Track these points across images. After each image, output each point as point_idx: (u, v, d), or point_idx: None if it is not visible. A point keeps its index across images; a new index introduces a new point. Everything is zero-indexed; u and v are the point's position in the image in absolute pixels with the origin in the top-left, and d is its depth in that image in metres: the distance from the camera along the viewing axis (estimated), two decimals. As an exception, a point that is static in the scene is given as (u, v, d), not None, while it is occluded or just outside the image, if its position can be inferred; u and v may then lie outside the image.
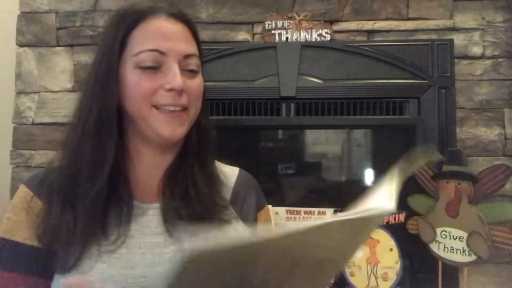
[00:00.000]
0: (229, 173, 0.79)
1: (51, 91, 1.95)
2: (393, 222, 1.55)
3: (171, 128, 0.67)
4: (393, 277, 1.51)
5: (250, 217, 0.76)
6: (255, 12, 1.88)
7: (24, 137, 1.94)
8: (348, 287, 1.53)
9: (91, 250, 0.62)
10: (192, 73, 0.69)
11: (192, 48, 0.69)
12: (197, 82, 0.70)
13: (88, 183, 0.64)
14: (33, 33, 1.97)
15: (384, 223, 1.54)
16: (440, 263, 1.54)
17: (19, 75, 1.96)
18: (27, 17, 1.98)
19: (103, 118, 0.66)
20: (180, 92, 0.66)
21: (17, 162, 1.93)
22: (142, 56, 0.65)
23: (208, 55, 1.80)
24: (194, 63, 0.69)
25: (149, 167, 0.71)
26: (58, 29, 1.96)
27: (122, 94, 0.67)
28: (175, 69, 0.66)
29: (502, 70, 1.77)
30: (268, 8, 1.87)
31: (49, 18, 1.97)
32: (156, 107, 0.66)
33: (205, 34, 1.90)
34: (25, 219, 0.65)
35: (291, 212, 1.65)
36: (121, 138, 0.69)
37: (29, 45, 1.97)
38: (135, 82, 0.66)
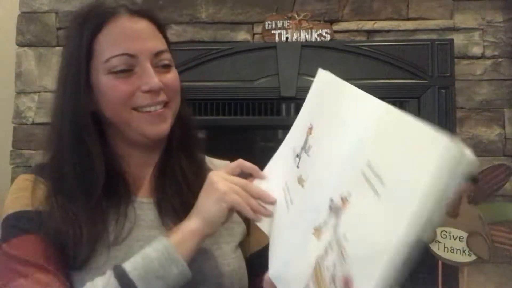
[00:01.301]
0: (220, 165, 0.80)
1: (51, 91, 1.95)
2: (393, 222, 1.55)
3: (155, 127, 0.67)
4: (393, 277, 1.51)
5: None
6: (255, 12, 1.88)
7: (24, 137, 1.94)
8: (348, 287, 1.53)
9: (98, 247, 0.62)
10: (166, 68, 0.69)
11: (161, 44, 0.69)
12: (172, 76, 0.69)
13: (85, 194, 0.64)
14: (33, 33, 1.97)
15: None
16: (440, 263, 1.54)
17: (19, 75, 1.96)
18: (27, 17, 1.98)
19: (80, 129, 0.66)
20: (158, 91, 0.66)
21: (17, 162, 1.93)
22: (113, 62, 0.64)
23: (208, 55, 1.80)
24: (166, 58, 0.69)
25: (139, 165, 0.72)
26: (58, 29, 1.96)
27: (98, 101, 0.67)
28: (149, 69, 0.65)
29: (502, 70, 1.77)
30: (268, 8, 1.87)
31: (49, 18, 1.97)
32: (135, 109, 0.66)
33: (205, 34, 1.90)
34: (38, 194, 0.65)
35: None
36: (105, 142, 0.70)
37: (29, 45, 1.97)
38: (110, 88, 0.65)
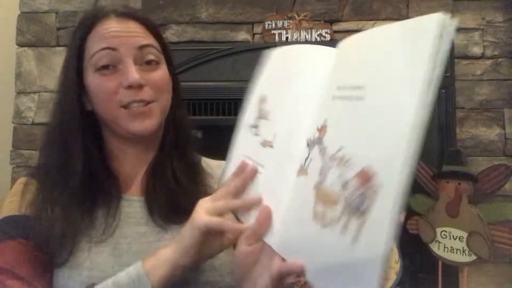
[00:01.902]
0: (216, 165, 0.81)
1: (51, 91, 1.95)
2: (393, 222, 1.55)
3: (139, 123, 0.67)
4: (393, 277, 1.51)
5: None
6: (255, 12, 1.88)
7: (24, 137, 1.94)
8: (348, 287, 1.52)
9: (81, 244, 0.64)
10: (152, 65, 0.69)
11: (146, 40, 0.69)
12: (159, 74, 0.70)
13: (61, 186, 0.67)
14: (33, 33, 1.97)
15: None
16: (440, 263, 1.54)
17: (19, 75, 1.96)
18: (27, 17, 1.98)
19: (65, 124, 0.69)
20: (139, 87, 0.66)
21: (17, 162, 1.93)
22: (96, 57, 0.66)
23: (208, 55, 1.80)
24: (151, 53, 0.69)
25: (132, 163, 0.74)
26: (58, 29, 1.96)
27: (92, 99, 0.69)
28: (130, 65, 0.66)
29: (502, 70, 1.77)
30: (268, 8, 1.88)
31: (49, 18, 1.97)
32: (124, 106, 0.67)
33: (205, 34, 1.90)
34: (27, 198, 0.68)
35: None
36: (102, 140, 0.73)
37: (29, 45, 1.97)
38: (96, 86, 0.67)
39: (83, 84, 0.69)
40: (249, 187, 0.59)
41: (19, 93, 1.96)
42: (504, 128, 1.76)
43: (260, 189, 0.57)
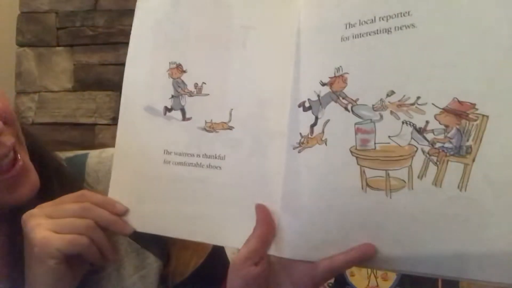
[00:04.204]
0: (107, 162, 0.56)
1: (51, 91, 1.95)
2: (393, 222, 1.55)
3: (22, 187, 0.45)
4: (393, 277, 1.51)
5: None
6: (255, 12, 1.88)
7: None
8: (348, 287, 1.53)
9: None
10: None
11: None
12: None
13: None
14: (33, 33, 1.97)
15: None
16: (440, 263, 1.54)
17: (19, 75, 1.96)
18: (27, 17, 1.98)
19: None
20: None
21: (17, 162, 1.93)
22: None
23: (208, 55, 1.80)
24: None
25: None
26: (58, 29, 1.96)
27: None
28: None
29: (502, 70, 1.77)
30: (268, 8, 1.87)
31: (49, 18, 1.97)
32: None
33: (205, 34, 1.90)
34: None
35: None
36: None
37: (29, 45, 1.97)
38: None
39: None
40: (184, 191, 0.45)
41: (19, 93, 1.96)
42: (504, 128, 1.76)
43: (218, 191, 0.44)
